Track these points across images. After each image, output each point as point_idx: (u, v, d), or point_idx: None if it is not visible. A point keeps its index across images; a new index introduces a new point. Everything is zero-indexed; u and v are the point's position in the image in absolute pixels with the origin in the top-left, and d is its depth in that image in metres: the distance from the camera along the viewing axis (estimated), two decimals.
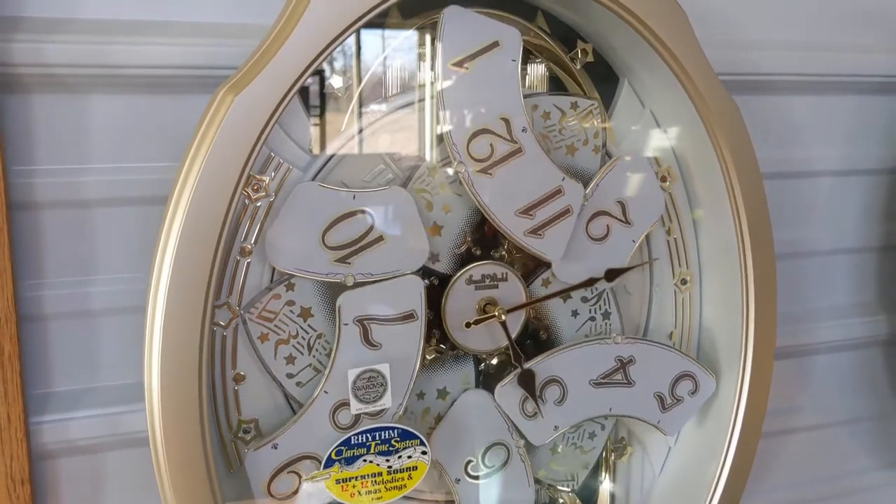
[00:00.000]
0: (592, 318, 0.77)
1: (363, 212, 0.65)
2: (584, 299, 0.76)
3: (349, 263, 0.65)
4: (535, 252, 0.70)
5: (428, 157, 0.69)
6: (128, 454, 0.73)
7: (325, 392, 0.65)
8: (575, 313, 0.76)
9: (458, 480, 0.72)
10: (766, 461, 1.04)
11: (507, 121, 0.67)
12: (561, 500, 0.79)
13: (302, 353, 0.66)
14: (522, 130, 0.68)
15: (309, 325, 0.66)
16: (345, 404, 0.65)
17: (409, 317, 0.66)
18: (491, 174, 0.67)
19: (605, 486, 0.81)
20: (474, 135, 0.66)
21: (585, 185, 0.72)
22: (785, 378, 1.02)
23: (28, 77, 0.67)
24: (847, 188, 1.02)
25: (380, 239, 0.65)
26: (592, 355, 0.74)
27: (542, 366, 0.72)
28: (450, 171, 0.68)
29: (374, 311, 0.65)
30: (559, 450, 0.78)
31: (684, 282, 0.80)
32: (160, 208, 0.70)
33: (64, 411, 0.71)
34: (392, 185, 0.67)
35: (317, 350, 0.66)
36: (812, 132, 0.98)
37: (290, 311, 0.65)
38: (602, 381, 0.74)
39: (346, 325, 0.65)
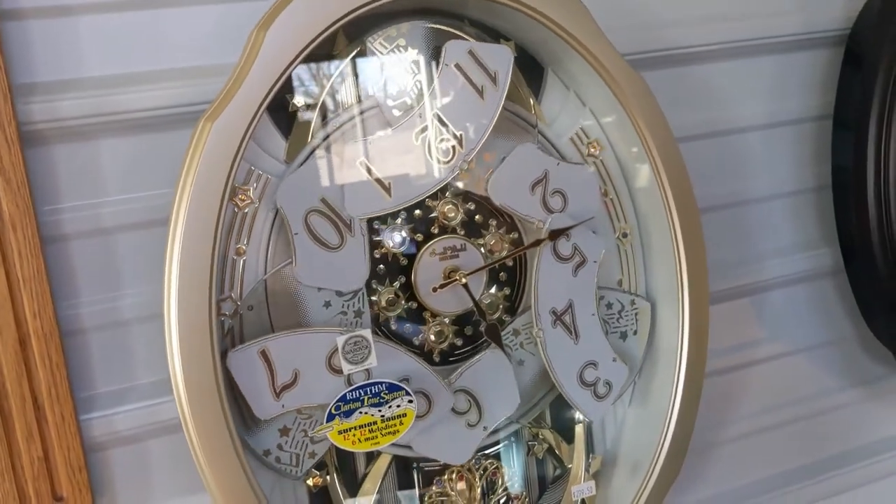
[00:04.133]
0: None
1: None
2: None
3: None
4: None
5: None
6: (167, 439, 0.86)
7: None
8: None
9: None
10: (734, 392, 1.14)
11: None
12: (541, 436, 0.91)
13: None
14: None
15: None
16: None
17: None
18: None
19: (581, 419, 0.92)
20: None
21: None
22: (743, 316, 1.14)
23: (47, 131, 0.80)
24: (777, 139, 1.13)
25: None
26: None
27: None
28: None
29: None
30: None
31: (625, 235, 0.92)
32: (166, 228, 0.84)
33: (108, 408, 0.84)
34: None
35: None
36: (737, 93, 1.10)
37: None
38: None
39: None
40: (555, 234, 0.84)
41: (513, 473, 0.90)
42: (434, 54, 0.81)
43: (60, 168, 0.82)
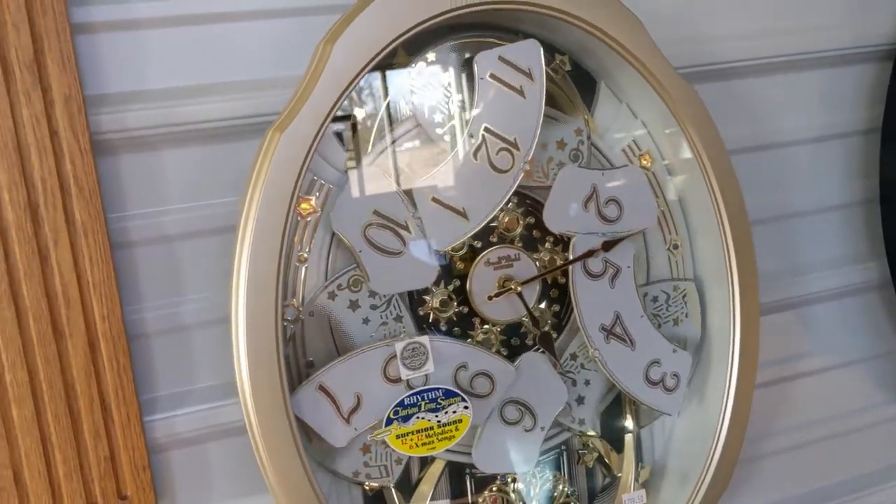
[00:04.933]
0: None
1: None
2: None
3: None
4: None
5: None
6: (226, 442, 0.88)
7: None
8: None
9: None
10: (779, 405, 1.14)
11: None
12: (591, 445, 0.92)
13: None
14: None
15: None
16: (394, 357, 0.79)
17: None
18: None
19: (631, 428, 0.93)
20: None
21: None
22: (789, 328, 1.14)
23: (115, 141, 0.82)
24: (825, 152, 1.14)
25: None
26: None
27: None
28: None
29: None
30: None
31: (675, 246, 0.93)
32: (230, 235, 0.86)
33: (169, 410, 0.86)
34: None
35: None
36: (785, 107, 1.10)
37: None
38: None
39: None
40: (608, 245, 0.86)
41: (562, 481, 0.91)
42: (465, 66, 0.83)
43: (127, 177, 0.84)
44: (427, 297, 0.84)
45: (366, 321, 0.80)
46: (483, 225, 0.82)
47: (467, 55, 0.83)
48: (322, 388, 0.77)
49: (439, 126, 0.82)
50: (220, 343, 0.87)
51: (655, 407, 0.90)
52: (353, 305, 0.80)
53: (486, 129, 0.82)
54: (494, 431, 0.84)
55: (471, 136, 0.81)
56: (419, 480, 0.85)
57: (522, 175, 0.83)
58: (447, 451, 0.82)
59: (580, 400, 0.90)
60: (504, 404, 0.85)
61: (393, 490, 0.83)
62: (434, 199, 0.80)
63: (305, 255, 0.80)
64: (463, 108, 0.83)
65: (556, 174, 0.86)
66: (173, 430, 0.86)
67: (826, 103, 1.13)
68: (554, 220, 0.85)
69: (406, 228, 0.80)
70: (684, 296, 0.93)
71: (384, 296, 0.81)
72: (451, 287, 0.84)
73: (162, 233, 0.85)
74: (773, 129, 1.10)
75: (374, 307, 0.81)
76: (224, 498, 0.89)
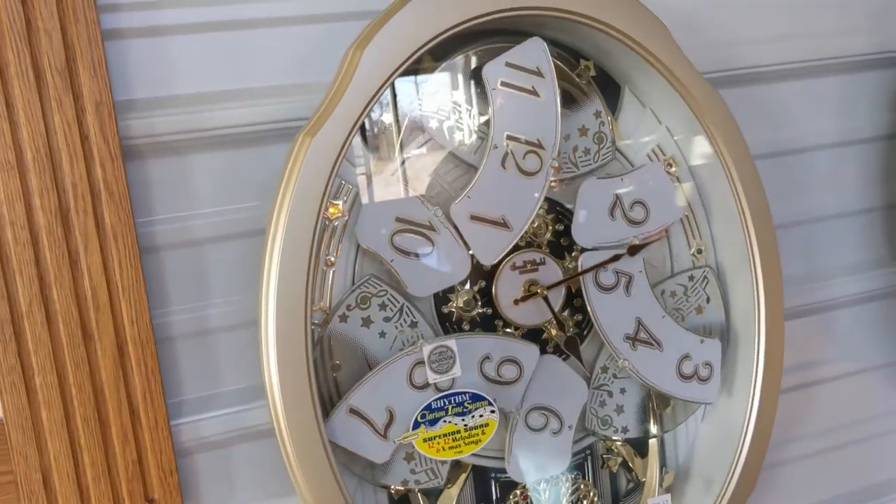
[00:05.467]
0: None
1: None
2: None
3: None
4: None
5: None
6: (251, 445, 0.88)
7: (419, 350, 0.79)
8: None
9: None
10: (798, 411, 1.14)
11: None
12: (615, 450, 0.92)
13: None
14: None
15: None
16: (421, 363, 0.79)
17: None
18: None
19: (655, 433, 0.93)
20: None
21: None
22: (811, 333, 1.13)
23: (143, 146, 0.83)
24: (845, 158, 1.14)
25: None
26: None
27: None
28: None
29: None
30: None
31: (700, 251, 0.93)
32: (256, 239, 0.86)
33: (195, 413, 0.86)
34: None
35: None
36: (805, 113, 1.10)
37: None
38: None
39: None
40: (634, 249, 0.86)
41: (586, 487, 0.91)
42: (474, 75, 0.84)
43: (155, 181, 0.85)
44: (451, 296, 0.84)
45: (382, 335, 0.81)
46: (524, 230, 0.83)
47: (474, 65, 0.84)
48: (353, 411, 0.78)
49: (460, 140, 0.83)
50: (246, 346, 0.87)
51: (693, 399, 0.91)
52: (366, 322, 0.80)
53: (509, 137, 0.82)
54: (524, 442, 0.85)
55: (495, 146, 0.82)
56: (445, 484, 0.85)
57: (553, 172, 0.83)
58: (475, 455, 0.82)
59: (619, 409, 0.91)
60: (527, 413, 0.85)
61: (419, 494, 0.83)
62: (473, 217, 0.81)
63: (333, 260, 0.80)
64: (481, 119, 0.83)
65: (580, 189, 0.86)
66: (199, 433, 0.86)
67: (847, 108, 1.13)
68: (583, 235, 0.86)
69: (431, 228, 0.80)
70: (705, 281, 0.92)
71: (395, 305, 0.81)
72: (476, 287, 0.84)
73: (189, 237, 0.86)
74: (794, 135, 1.10)
75: (387, 319, 0.81)
76: (249, 501, 0.89)
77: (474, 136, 0.83)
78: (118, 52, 0.83)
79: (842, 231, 1.14)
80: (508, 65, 0.82)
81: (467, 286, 0.84)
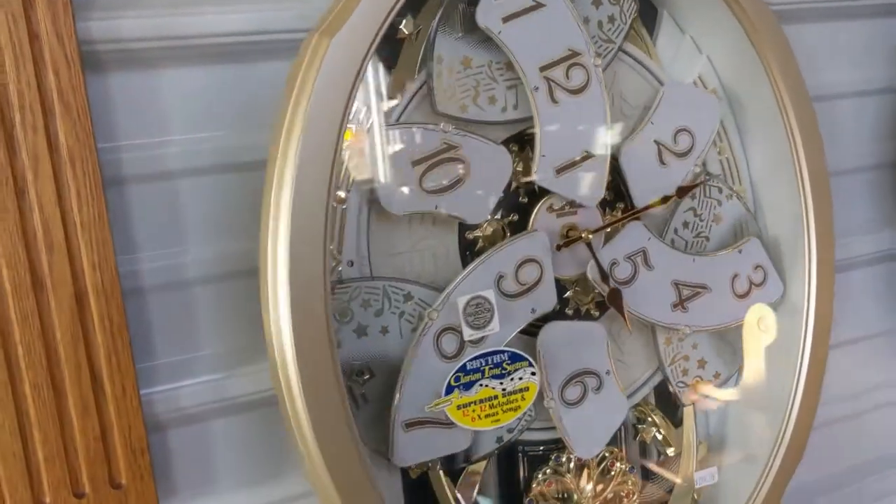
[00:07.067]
0: None
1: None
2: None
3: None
4: None
5: None
6: (232, 420, 0.74)
7: (431, 319, 0.67)
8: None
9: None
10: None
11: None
12: (649, 419, 0.82)
13: None
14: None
15: None
16: (448, 329, 0.67)
17: None
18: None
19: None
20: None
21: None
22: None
23: (105, 54, 0.68)
24: (861, 109, 1.07)
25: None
26: None
27: None
28: None
29: None
30: None
31: (739, 198, 0.83)
32: (241, 175, 0.73)
33: (171, 381, 0.72)
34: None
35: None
36: (823, 58, 1.03)
37: None
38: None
39: None
40: (682, 191, 0.76)
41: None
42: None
43: (119, 100, 0.70)
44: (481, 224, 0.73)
45: (384, 331, 0.68)
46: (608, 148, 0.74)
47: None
48: (410, 425, 0.67)
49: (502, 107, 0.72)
50: (228, 301, 0.73)
51: (767, 301, 0.83)
52: (360, 331, 0.68)
53: (542, 68, 0.70)
54: (576, 419, 0.75)
55: (535, 88, 0.70)
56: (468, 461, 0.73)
57: (599, 68, 0.73)
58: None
59: (702, 364, 0.83)
60: (561, 393, 0.74)
61: (440, 473, 0.71)
62: (559, 171, 0.72)
63: (343, 195, 0.67)
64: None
65: (621, 157, 0.76)
66: (175, 404, 0.72)
67: (864, 56, 1.06)
68: (645, 195, 0.77)
69: (451, 147, 0.68)
70: (708, 204, 0.83)
71: (377, 293, 0.68)
72: (507, 219, 0.73)
73: (160, 168, 0.71)
74: (813, 82, 1.02)
75: (377, 313, 0.68)
76: (230, 487, 0.75)
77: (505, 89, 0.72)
78: None
79: (857, 187, 1.07)
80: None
81: (498, 215, 0.72)
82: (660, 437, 0.82)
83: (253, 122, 0.72)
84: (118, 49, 0.68)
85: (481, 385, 0.67)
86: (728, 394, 0.85)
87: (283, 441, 0.77)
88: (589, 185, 0.73)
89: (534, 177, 0.71)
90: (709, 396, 0.84)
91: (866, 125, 1.07)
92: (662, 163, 0.77)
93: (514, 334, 0.70)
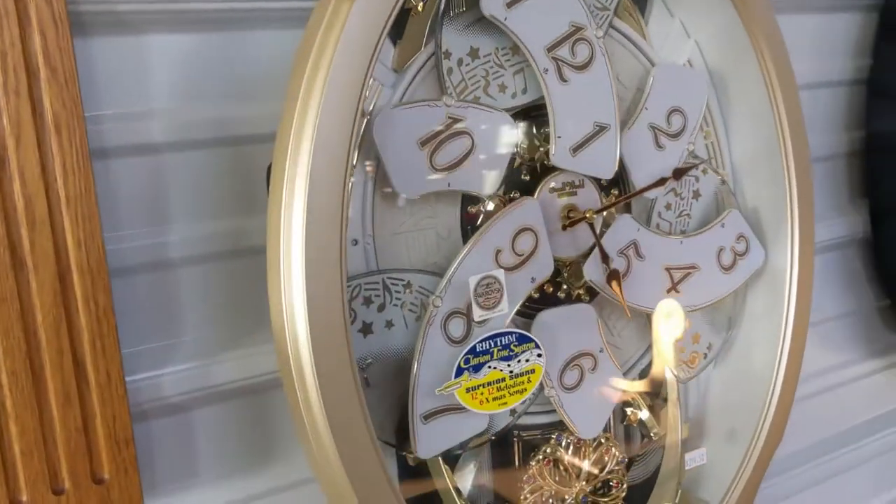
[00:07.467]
0: None
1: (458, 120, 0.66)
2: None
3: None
4: None
5: None
6: (218, 409, 0.71)
7: (436, 306, 0.65)
8: None
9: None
10: None
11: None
12: (636, 402, 0.82)
13: None
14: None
15: None
16: (455, 313, 0.66)
17: None
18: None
19: (669, 375, 0.83)
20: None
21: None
22: None
23: (91, 17, 0.63)
24: (814, 101, 1.10)
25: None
26: None
27: None
28: None
29: None
30: None
31: (723, 182, 0.84)
32: (231, 149, 0.69)
33: (155, 368, 0.67)
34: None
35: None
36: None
37: None
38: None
39: None
40: (679, 173, 0.76)
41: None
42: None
43: (104, 66, 0.65)
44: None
45: (389, 325, 0.66)
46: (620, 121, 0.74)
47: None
48: (428, 416, 0.65)
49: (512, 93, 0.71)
50: (215, 282, 0.70)
51: (752, 270, 0.84)
52: (365, 329, 0.65)
53: (549, 48, 0.69)
54: (579, 404, 0.74)
55: (545, 70, 0.69)
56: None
57: (601, 40, 0.72)
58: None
59: (696, 339, 0.83)
60: (560, 380, 0.73)
61: (440, 458, 0.69)
62: (575, 150, 0.71)
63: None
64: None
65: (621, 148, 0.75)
66: (158, 393, 0.67)
67: (817, 49, 1.09)
68: (642, 178, 0.77)
69: (455, 120, 0.66)
70: (689, 183, 0.83)
71: (377, 287, 0.65)
72: (509, 195, 0.71)
73: (147, 140, 0.67)
74: None
75: (380, 308, 0.65)
76: (213, 480, 0.71)
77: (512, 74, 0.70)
78: None
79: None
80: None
81: (500, 191, 0.71)
82: (645, 417, 0.82)
83: (246, 93, 0.69)
84: (106, 11, 0.64)
85: (490, 367, 0.65)
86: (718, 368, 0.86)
87: (270, 430, 0.74)
88: (603, 159, 0.72)
89: (552, 159, 0.69)
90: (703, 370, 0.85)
91: (821, 117, 1.11)
92: (659, 146, 0.76)
93: (517, 307, 0.69)
